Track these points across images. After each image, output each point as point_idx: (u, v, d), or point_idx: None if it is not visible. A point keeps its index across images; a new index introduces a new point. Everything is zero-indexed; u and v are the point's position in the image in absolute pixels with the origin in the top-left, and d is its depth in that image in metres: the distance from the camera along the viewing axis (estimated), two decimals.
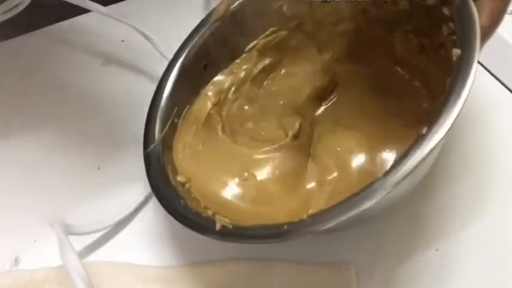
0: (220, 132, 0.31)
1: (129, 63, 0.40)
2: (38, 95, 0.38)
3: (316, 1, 0.32)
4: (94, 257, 0.30)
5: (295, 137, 0.32)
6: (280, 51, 0.33)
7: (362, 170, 0.31)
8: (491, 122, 0.34)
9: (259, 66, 0.33)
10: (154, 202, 0.32)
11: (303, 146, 0.32)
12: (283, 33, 0.33)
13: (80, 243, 0.30)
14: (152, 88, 0.38)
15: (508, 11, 0.40)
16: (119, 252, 0.30)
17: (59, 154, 0.34)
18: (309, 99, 0.34)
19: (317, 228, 0.21)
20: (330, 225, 0.21)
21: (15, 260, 0.29)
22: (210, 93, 0.31)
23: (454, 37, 0.24)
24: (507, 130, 0.34)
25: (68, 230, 0.27)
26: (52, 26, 0.43)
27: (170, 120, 0.29)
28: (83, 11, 0.43)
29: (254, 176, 0.30)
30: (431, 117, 0.21)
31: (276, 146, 0.31)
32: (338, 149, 0.32)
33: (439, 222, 0.30)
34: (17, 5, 0.36)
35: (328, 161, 0.32)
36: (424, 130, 0.21)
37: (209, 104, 0.31)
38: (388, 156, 0.31)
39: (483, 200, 0.31)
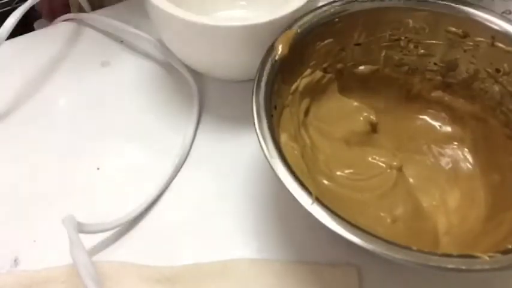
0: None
1: (130, 63, 0.40)
2: (38, 94, 0.38)
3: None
4: (102, 256, 0.29)
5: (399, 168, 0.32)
6: (317, 90, 0.33)
7: None
8: None
9: (303, 107, 0.32)
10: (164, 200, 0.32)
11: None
12: (318, 73, 0.32)
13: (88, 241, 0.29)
14: (152, 87, 0.38)
15: (507, 11, 0.40)
16: (126, 252, 0.30)
17: (59, 155, 0.34)
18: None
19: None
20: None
21: (15, 261, 0.29)
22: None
23: None
24: None
25: (80, 228, 0.27)
26: (52, 26, 0.43)
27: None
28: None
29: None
30: None
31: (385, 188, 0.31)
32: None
33: None
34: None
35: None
36: None
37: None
38: None
39: None
